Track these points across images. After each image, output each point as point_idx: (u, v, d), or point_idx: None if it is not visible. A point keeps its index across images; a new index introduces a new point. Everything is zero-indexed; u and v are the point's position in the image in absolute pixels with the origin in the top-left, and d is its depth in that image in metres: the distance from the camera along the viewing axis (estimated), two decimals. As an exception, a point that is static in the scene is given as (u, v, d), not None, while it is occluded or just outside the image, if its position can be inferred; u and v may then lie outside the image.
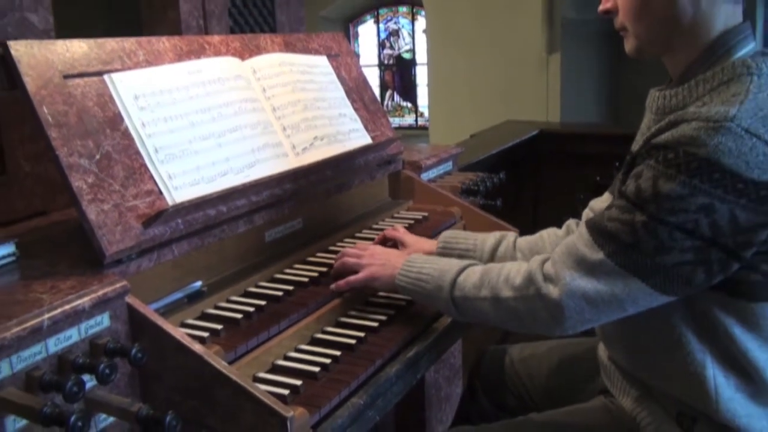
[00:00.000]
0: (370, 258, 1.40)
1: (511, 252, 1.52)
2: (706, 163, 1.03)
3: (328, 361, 1.18)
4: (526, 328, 1.23)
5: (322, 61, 1.78)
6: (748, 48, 1.16)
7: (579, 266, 1.13)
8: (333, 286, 1.38)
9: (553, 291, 1.15)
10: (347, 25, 12.06)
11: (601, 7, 1.26)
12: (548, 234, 1.56)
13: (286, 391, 1.08)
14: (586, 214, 1.45)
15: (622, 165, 1.24)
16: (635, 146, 1.25)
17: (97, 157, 1.17)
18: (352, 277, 1.38)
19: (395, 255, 1.42)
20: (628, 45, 1.25)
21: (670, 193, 1.05)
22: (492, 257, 1.52)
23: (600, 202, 1.41)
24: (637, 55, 1.25)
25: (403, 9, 11.86)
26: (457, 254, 1.53)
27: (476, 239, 1.55)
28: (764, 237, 1.06)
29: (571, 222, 1.57)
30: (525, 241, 1.55)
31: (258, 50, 1.61)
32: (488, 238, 1.55)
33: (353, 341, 1.25)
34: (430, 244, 1.58)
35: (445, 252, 1.54)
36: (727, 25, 1.16)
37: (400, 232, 1.62)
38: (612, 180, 1.38)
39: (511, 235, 1.56)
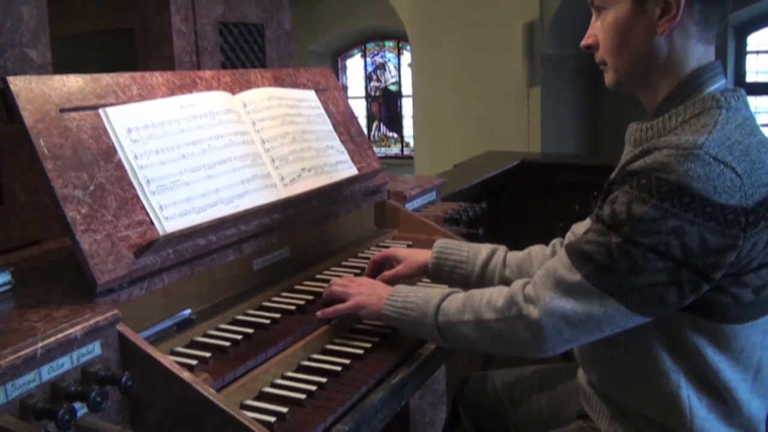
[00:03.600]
0: (357, 288, 1.44)
1: (500, 268, 1.57)
2: (676, 188, 1.08)
3: (313, 388, 1.20)
4: (509, 350, 1.27)
5: (310, 95, 1.83)
6: (718, 84, 1.23)
7: (558, 287, 1.18)
8: (319, 313, 1.41)
9: (533, 311, 1.19)
10: (335, 58, 12.19)
11: (583, 42, 1.33)
12: (535, 251, 1.60)
13: (272, 419, 1.10)
14: (568, 237, 1.50)
15: (600, 194, 1.30)
16: (612, 175, 1.31)
17: (91, 188, 1.20)
18: (339, 306, 1.41)
19: (381, 286, 1.45)
20: (608, 78, 1.31)
21: (643, 215, 1.10)
22: (483, 271, 1.57)
23: (581, 226, 1.45)
24: (615, 88, 1.31)
25: (390, 43, 12.03)
26: (450, 265, 1.57)
27: (469, 251, 1.59)
28: (732, 259, 1.11)
29: (556, 241, 1.62)
30: (514, 257, 1.59)
31: (248, 85, 1.66)
32: (481, 251, 1.59)
33: (339, 368, 1.28)
34: (424, 253, 1.62)
35: (438, 262, 1.58)
36: (699, 63, 1.23)
37: (391, 249, 1.66)
38: (591, 208, 1.43)
39: (501, 250, 1.60)
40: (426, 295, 1.35)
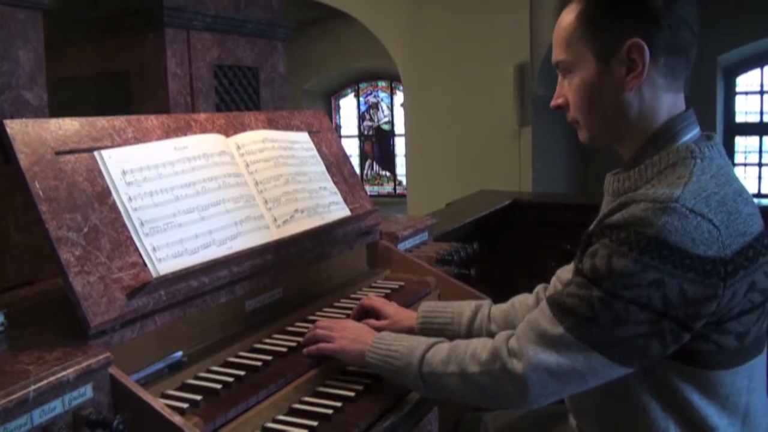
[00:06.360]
0: (341, 331, 1.43)
1: (486, 324, 1.58)
2: (654, 241, 1.09)
3: None
4: (493, 403, 1.27)
5: (303, 137, 1.86)
6: (692, 134, 1.24)
7: (541, 340, 1.18)
8: (305, 350, 1.41)
9: (517, 365, 1.19)
10: (329, 98, 12.31)
11: (552, 103, 1.34)
12: (519, 302, 1.61)
13: (264, 462, 1.10)
14: (554, 283, 1.51)
15: (580, 245, 1.30)
16: (591, 227, 1.32)
17: (85, 230, 1.21)
18: (323, 344, 1.41)
19: (366, 331, 1.45)
20: (582, 136, 1.33)
21: (623, 269, 1.11)
22: (469, 330, 1.57)
23: (566, 272, 1.46)
24: (590, 144, 1.33)
25: (382, 83, 12.18)
26: (437, 328, 1.58)
27: (453, 312, 1.60)
28: (713, 309, 1.12)
29: (540, 288, 1.63)
30: (498, 311, 1.60)
31: (242, 127, 1.68)
32: (464, 311, 1.60)
33: (330, 411, 1.27)
34: (410, 315, 1.62)
35: (425, 326, 1.59)
36: (671, 113, 1.25)
37: (381, 301, 1.66)
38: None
39: (485, 306, 1.61)
40: (411, 344, 1.34)
